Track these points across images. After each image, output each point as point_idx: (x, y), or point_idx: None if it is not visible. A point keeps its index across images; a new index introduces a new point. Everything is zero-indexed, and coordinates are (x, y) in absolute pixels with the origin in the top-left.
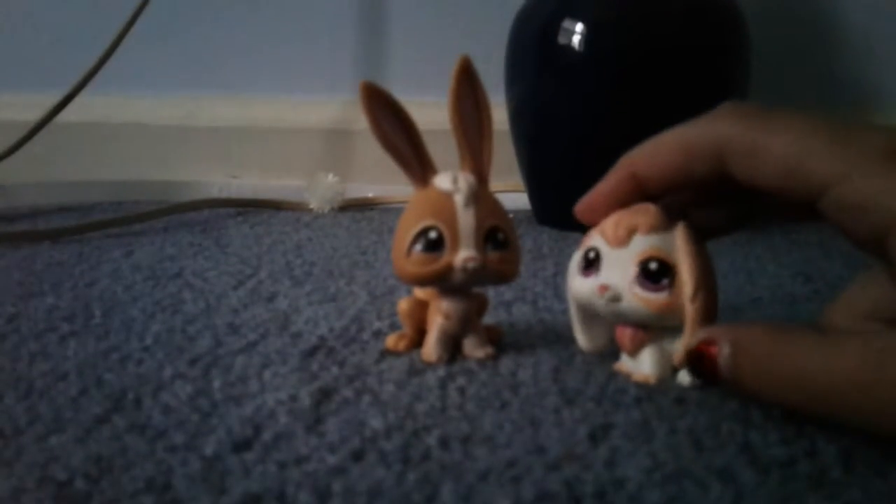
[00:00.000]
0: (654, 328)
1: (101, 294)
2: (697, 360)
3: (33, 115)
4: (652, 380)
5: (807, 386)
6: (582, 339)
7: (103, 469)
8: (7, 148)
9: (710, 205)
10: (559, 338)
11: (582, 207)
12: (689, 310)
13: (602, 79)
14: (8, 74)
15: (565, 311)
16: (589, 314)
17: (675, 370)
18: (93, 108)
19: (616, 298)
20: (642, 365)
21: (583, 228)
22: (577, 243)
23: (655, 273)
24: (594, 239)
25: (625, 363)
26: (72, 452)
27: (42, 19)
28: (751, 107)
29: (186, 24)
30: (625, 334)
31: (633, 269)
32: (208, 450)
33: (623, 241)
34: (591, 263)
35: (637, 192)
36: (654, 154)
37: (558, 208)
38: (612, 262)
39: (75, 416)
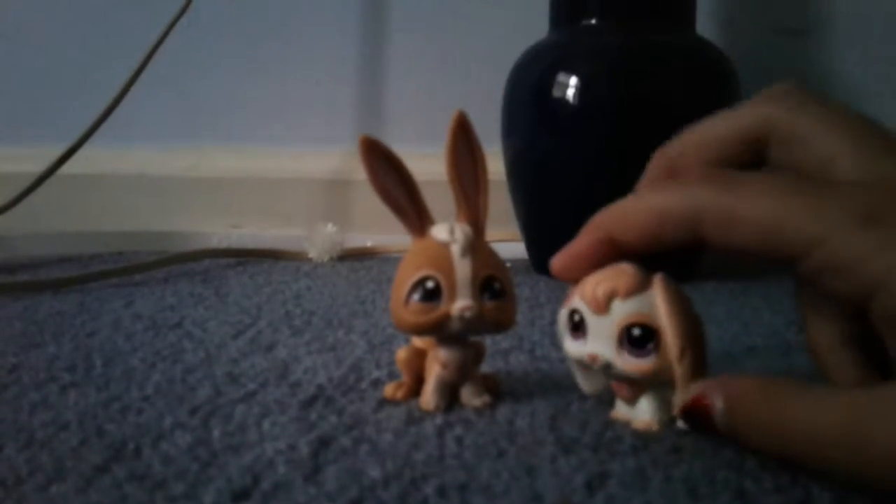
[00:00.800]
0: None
1: (102, 344)
2: (694, 414)
3: (36, 167)
4: (654, 426)
5: (792, 439)
6: (582, 382)
7: None
8: (9, 200)
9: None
10: (556, 386)
11: (558, 266)
12: (678, 370)
13: (596, 131)
14: (11, 127)
15: (562, 360)
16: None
17: (674, 417)
18: (95, 160)
19: (607, 367)
20: (642, 413)
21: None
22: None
23: (639, 339)
24: (576, 301)
25: (622, 411)
26: (72, 502)
27: (45, 73)
28: (722, 172)
29: (188, 78)
30: (622, 385)
31: (617, 338)
32: (207, 499)
33: (603, 307)
34: (578, 326)
35: (611, 252)
36: (627, 219)
37: None
38: (597, 330)
39: (76, 466)
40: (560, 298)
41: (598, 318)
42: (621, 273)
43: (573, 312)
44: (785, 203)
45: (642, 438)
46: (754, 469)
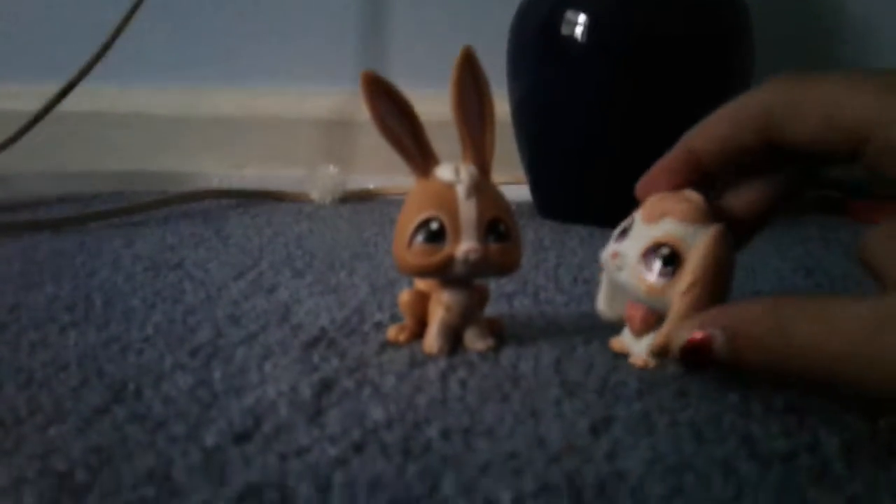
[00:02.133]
0: (664, 313)
1: (102, 284)
2: (692, 353)
3: (34, 104)
4: (651, 364)
5: (806, 358)
6: (602, 303)
7: (103, 460)
8: (8, 137)
9: (756, 182)
10: (561, 330)
11: (641, 184)
12: (678, 302)
13: (605, 70)
14: (8, 64)
15: (567, 304)
16: (617, 284)
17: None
18: (94, 99)
19: (621, 268)
20: (643, 348)
21: (584, 220)
22: (578, 236)
23: (663, 258)
24: (637, 212)
25: (624, 341)
26: (72, 443)
27: (42, 9)
28: (796, 73)
29: (188, 15)
30: (637, 312)
31: (646, 248)
32: (209, 441)
33: (654, 219)
34: (624, 232)
35: (693, 165)
36: (708, 127)
37: (560, 201)
38: (637, 236)
39: (76, 407)
40: (564, 242)
41: (643, 227)
42: (686, 199)
43: (628, 220)
44: (847, 88)
45: (647, 382)
46: (761, 413)
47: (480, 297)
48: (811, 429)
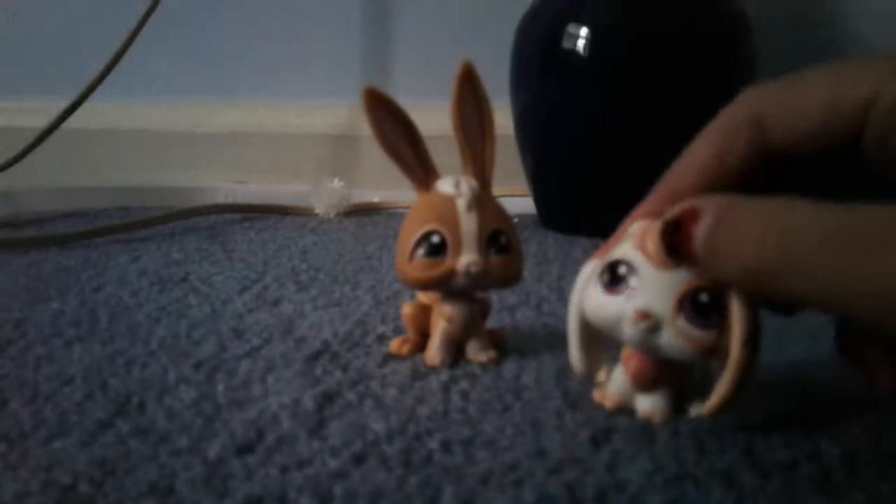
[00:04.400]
0: (668, 366)
1: (108, 299)
2: (674, 228)
3: (40, 121)
4: (657, 418)
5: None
6: (578, 361)
7: (107, 473)
8: (14, 155)
9: None
10: (562, 342)
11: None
12: (737, 357)
13: (607, 83)
14: (15, 81)
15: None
16: (592, 334)
17: (683, 409)
18: (99, 115)
19: (656, 329)
20: (647, 403)
21: (588, 232)
22: (582, 248)
23: (706, 307)
24: (627, 252)
25: (619, 394)
26: (76, 456)
27: (49, 26)
28: (770, 80)
29: (193, 31)
30: (644, 365)
31: (680, 300)
32: (211, 453)
33: (672, 264)
34: (618, 280)
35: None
36: (689, 158)
37: (563, 212)
38: (655, 286)
39: (80, 421)
40: (568, 254)
41: (658, 273)
42: None
43: (616, 264)
44: (835, 75)
45: None
46: (762, 424)
47: (482, 310)
48: (812, 439)
